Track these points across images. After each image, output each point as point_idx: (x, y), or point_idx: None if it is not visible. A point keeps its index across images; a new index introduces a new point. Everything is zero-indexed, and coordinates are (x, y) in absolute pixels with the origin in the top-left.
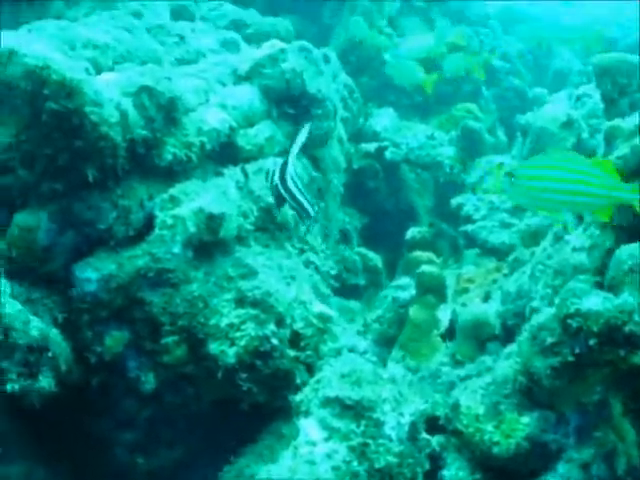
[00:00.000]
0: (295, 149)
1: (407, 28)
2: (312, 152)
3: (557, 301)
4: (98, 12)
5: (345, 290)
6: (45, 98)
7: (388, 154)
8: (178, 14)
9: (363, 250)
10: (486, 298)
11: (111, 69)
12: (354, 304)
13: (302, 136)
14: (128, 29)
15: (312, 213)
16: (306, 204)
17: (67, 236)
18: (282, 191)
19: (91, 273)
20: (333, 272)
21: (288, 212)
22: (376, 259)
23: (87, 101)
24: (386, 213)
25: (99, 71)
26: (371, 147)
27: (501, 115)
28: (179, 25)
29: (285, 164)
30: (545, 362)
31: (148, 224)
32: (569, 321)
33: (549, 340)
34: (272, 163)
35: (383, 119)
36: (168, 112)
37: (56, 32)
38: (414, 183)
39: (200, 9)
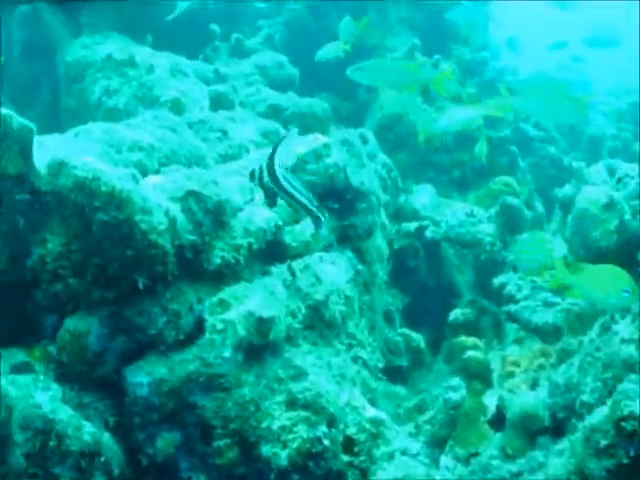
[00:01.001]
0: (281, 148)
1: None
2: (357, 245)
3: (610, 403)
4: (141, 109)
5: (389, 372)
6: (95, 209)
7: (428, 233)
8: (218, 102)
9: (406, 331)
10: (533, 385)
11: (157, 171)
12: (400, 389)
13: (288, 138)
14: (172, 128)
15: (322, 218)
16: (310, 205)
17: (118, 341)
18: (277, 190)
19: (143, 377)
20: (381, 365)
21: (336, 307)
22: (419, 339)
23: (136, 210)
24: (427, 291)
25: (145, 173)
26: (411, 226)
27: (537, 184)
28: (220, 117)
29: (272, 160)
30: (599, 464)
31: (198, 327)
32: (623, 424)
33: (603, 442)
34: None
35: (422, 197)
36: (216, 216)
37: (102, 136)
38: (454, 259)
39: (239, 95)
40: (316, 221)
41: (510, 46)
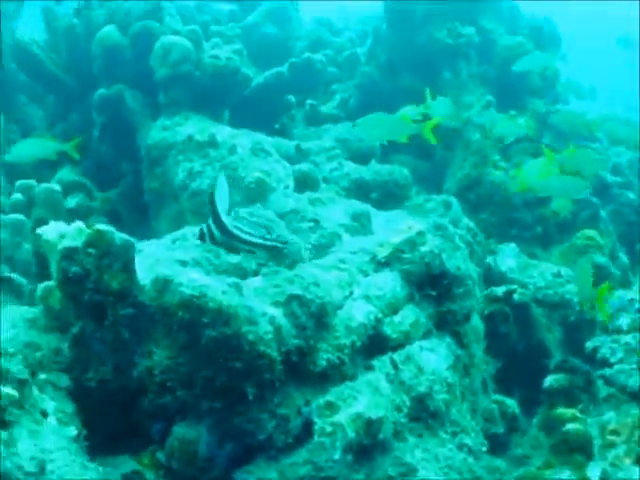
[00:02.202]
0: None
1: (518, 154)
2: (455, 329)
3: None
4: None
5: (486, 440)
6: (203, 326)
7: (516, 296)
8: (303, 181)
9: (500, 397)
10: (637, 460)
11: (255, 271)
12: (500, 462)
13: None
14: (267, 225)
15: (280, 245)
16: (265, 242)
17: (227, 447)
18: (234, 242)
19: None
20: (484, 449)
21: (439, 396)
22: (513, 405)
23: (243, 322)
24: (517, 354)
25: (244, 275)
26: (499, 291)
27: (618, 231)
28: (309, 204)
29: (217, 216)
30: None
31: (306, 430)
32: None
33: None
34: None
35: (508, 259)
36: (319, 318)
37: (198, 242)
38: (543, 319)
39: (322, 170)
40: (276, 251)
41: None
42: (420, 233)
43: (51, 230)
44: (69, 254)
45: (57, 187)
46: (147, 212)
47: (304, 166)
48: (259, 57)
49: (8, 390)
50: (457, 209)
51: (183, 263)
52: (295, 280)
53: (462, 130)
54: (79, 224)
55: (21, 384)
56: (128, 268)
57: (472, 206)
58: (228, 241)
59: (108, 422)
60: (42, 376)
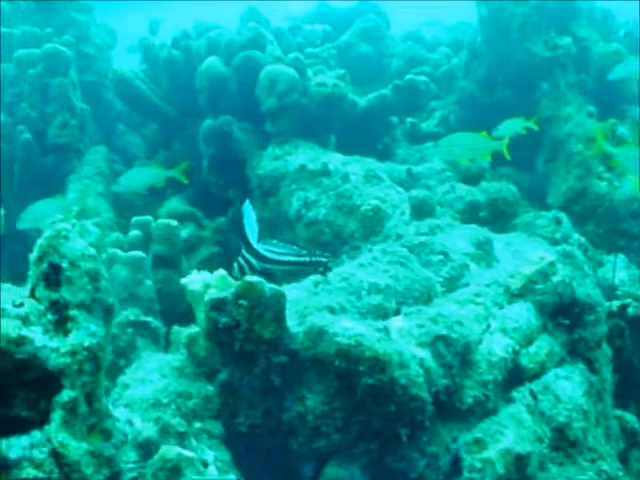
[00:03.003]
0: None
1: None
2: (587, 355)
3: None
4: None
5: None
6: (359, 374)
7: (631, 310)
8: (419, 208)
9: (619, 412)
10: None
11: (396, 310)
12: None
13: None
14: (401, 262)
15: (324, 259)
16: (310, 258)
17: None
18: (274, 266)
19: None
20: (621, 473)
21: (577, 425)
22: (633, 420)
23: (396, 367)
24: (633, 367)
25: (386, 315)
26: (613, 305)
27: None
28: (427, 227)
29: (249, 246)
30: None
31: (454, 466)
32: None
33: None
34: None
35: (619, 272)
36: (463, 356)
37: (341, 284)
38: None
39: (435, 194)
40: (322, 266)
41: None
42: (551, 264)
43: (196, 280)
44: (218, 305)
45: (174, 223)
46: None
47: (420, 192)
48: (354, 76)
49: (182, 451)
50: (567, 224)
51: (331, 309)
52: (439, 319)
53: (564, 142)
54: (222, 273)
55: (181, 437)
56: (279, 317)
57: (578, 218)
58: (267, 266)
59: (257, 466)
60: (197, 425)
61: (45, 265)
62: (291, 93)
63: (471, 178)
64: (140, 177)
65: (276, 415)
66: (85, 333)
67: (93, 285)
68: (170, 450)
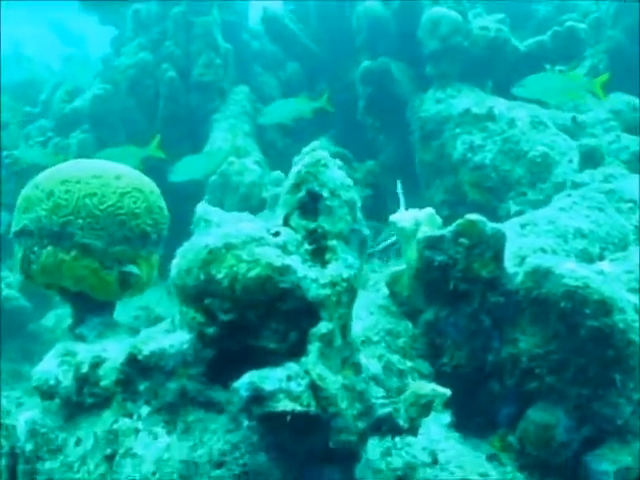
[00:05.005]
0: None
1: None
2: None
3: None
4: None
5: None
6: (585, 316)
7: None
8: (589, 157)
9: None
10: None
11: (600, 255)
12: None
13: None
14: (599, 207)
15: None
16: None
17: (583, 431)
18: None
19: (608, 466)
20: None
21: None
22: None
23: (617, 311)
24: None
25: (591, 260)
26: None
27: None
28: (602, 176)
29: None
30: None
31: None
32: None
33: None
34: None
35: None
36: None
37: (548, 227)
38: None
39: (602, 142)
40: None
41: None
42: None
43: (405, 218)
44: (434, 243)
45: (338, 162)
46: (410, 183)
47: (591, 141)
48: None
49: (436, 386)
50: None
51: (543, 252)
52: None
53: None
54: (430, 211)
55: (401, 375)
56: (498, 257)
57: None
58: None
59: (454, 406)
60: (408, 364)
61: (303, 193)
62: (454, 36)
63: (634, 129)
64: (286, 107)
65: (480, 356)
66: (343, 264)
67: (352, 215)
68: (423, 386)
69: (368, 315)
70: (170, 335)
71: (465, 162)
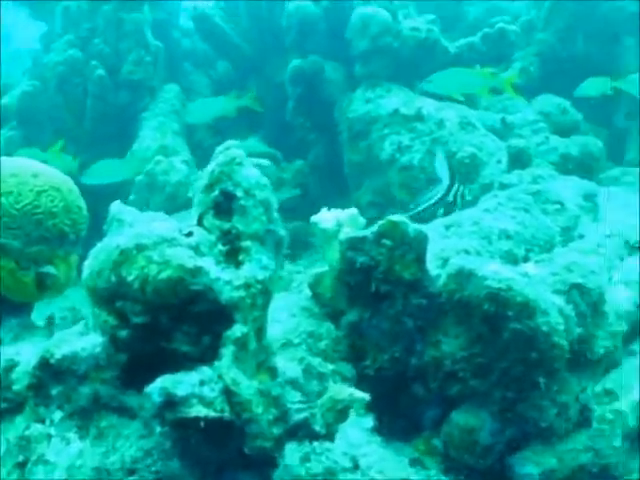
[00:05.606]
0: None
1: None
2: None
3: None
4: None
5: None
6: (507, 318)
7: None
8: (517, 158)
9: None
10: None
11: (525, 257)
12: None
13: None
14: (525, 209)
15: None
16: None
17: (507, 433)
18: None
19: (532, 468)
20: None
21: None
22: None
23: (540, 313)
24: None
25: (515, 261)
26: None
27: None
28: (530, 177)
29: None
30: None
31: (584, 417)
32: None
33: None
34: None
35: None
36: (595, 306)
37: (472, 228)
38: None
39: (530, 143)
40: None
41: None
42: None
43: (327, 218)
44: (356, 244)
45: (266, 162)
46: (338, 183)
47: (520, 142)
48: None
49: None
50: None
51: (467, 252)
52: (573, 268)
53: None
54: (354, 211)
55: (321, 378)
56: (420, 258)
57: None
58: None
59: (377, 410)
60: (330, 367)
61: (217, 193)
62: (384, 36)
63: (563, 130)
64: (210, 106)
65: (404, 359)
66: (258, 265)
67: (267, 215)
68: (340, 390)
69: (290, 317)
70: (84, 338)
71: (393, 163)
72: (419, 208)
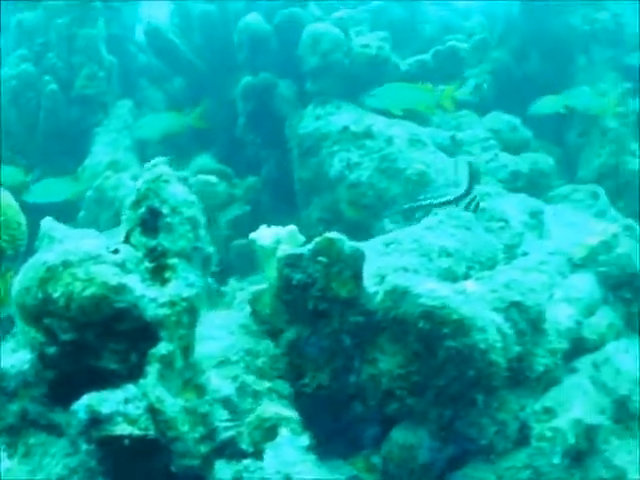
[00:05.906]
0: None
1: None
2: None
3: None
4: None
5: None
6: (443, 337)
7: None
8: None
9: None
10: None
11: (465, 275)
12: None
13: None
14: (466, 226)
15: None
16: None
17: (447, 451)
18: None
19: None
20: None
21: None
22: None
23: (477, 331)
24: None
25: (455, 279)
26: None
27: None
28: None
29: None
30: None
31: (523, 435)
32: None
33: None
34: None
35: None
36: (535, 324)
37: (412, 245)
38: None
39: (479, 160)
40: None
41: None
42: (615, 235)
43: (265, 235)
44: (293, 261)
45: (213, 179)
46: (290, 200)
47: (467, 159)
48: None
49: (280, 409)
50: (605, 200)
51: (406, 270)
52: (512, 285)
53: (598, 117)
54: (293, 228)
55: (256, 396)
56: (357, 276)
57: (610, 194)
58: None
59: (316, 428)
60: (266, 385)
61: (143, 210)
62: (335, 52)
63: (514, 148)
64: (157, 122)
65: (342, 377)
66: (184, 283)
67: (194, 233)
68: (267, 409)
69: (229, 335)
70: (14, 355)
71: (342, 180)
72: (426, 202)
